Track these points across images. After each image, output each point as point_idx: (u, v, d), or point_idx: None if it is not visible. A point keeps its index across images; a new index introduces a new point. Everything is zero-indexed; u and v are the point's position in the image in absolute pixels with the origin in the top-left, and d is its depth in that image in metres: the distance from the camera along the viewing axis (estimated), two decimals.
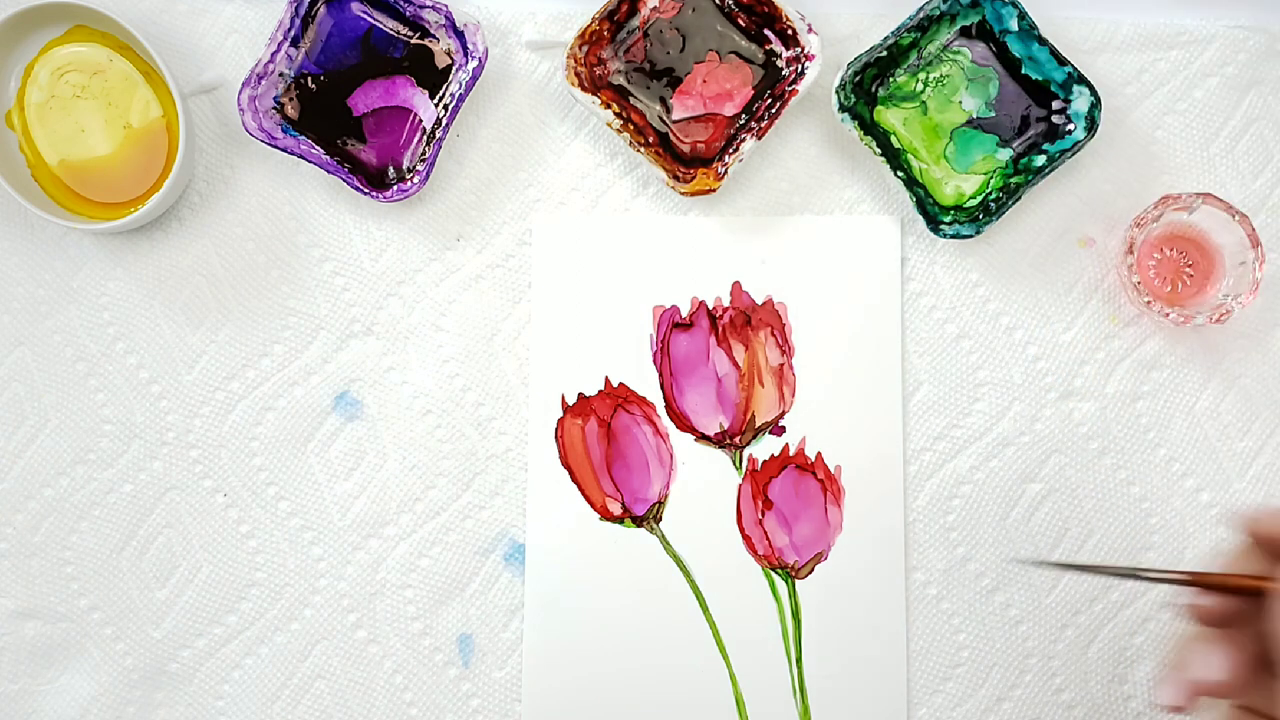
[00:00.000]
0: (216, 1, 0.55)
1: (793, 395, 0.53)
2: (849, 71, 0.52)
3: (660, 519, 0.53)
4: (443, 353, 0.54)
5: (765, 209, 0.54)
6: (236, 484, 0.54)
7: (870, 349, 0.53)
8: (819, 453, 0.53)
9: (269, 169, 0.55)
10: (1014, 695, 0.52)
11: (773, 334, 0.53)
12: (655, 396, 0.53)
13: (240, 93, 0.52)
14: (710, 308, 0.54)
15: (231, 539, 0.54)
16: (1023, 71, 0.53)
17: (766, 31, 0.54)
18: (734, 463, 0.53)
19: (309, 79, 0.54)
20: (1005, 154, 0.53)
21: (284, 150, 0.52)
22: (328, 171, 0.52)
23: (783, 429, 0.53)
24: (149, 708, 0.53)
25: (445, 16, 0.53)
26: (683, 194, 0.52)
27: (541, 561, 0.53)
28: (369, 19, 0.54)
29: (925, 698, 0.52)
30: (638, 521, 0.53)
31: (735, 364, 0.53)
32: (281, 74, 0.53)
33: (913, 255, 0.54)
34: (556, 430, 0.53)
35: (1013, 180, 0.52)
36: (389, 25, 0.54)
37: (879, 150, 0.52)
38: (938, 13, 0.52)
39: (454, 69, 0.54)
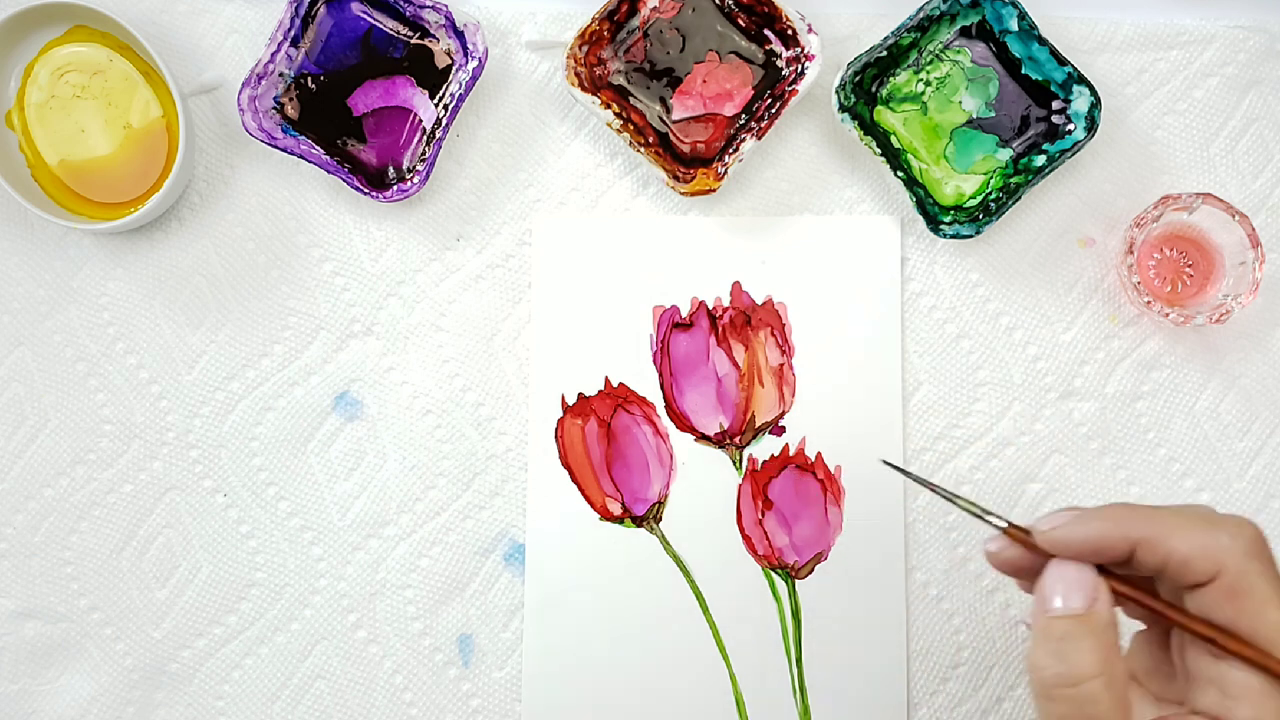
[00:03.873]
0: (216, 1, 0.55)
1: (793, 395, 0.53)
2: (849, 71, 0.52)
3: (660, 519, 0.53)
4: (443, 353, 0.54)
5: (765, 209, 0.54)
6: (236, 484, 0.54)
7: (870, 349, 0.53)
8: (819, 453, 0.53)
9: (269, 169, 0.55)
10: (1014, 695, 0.52)
11: (773, 334, 0.53)
12: (655, 396, 0.53)
13: (240, 93, 0.52)
14: (710, 308, 0.54)
15: (231, 539, 0.54)
16: (1023, 71, 0.53)
17: (766, 31, 0.54)
18: (734, 463, 0.53)
19: (309, 79, 0.54)
20: (1005, 154, 0.53)
21: (284, 150, 0.52)
22: (328, 171, 0.52)
23: (783, 429, 0.53)
24: (149, 708, 0.53)
25: (445, 16, 0.53)
26: (683, 194, 0.52)
27: (541, 561, 0.53)
28: (369, 19, 0.54)
29: (925, 698, 0.52)
30: (638, 521, 0.53)
31: (735, 364, 0.53)
32: (281, 74, 0.53)
33: (913, 255, 0.54)
34: (556, 430, 0.53)
35: (1013, 180, 0.52)
36: (389, 25, 0.54)
37: (879, 150, 0.52)
38: (938, 13, 0.52)
39: (454, 69, 0.54)
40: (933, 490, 0.42)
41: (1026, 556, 0.39)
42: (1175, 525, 0.37)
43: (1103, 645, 0.37)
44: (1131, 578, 0.39)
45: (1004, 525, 0.40)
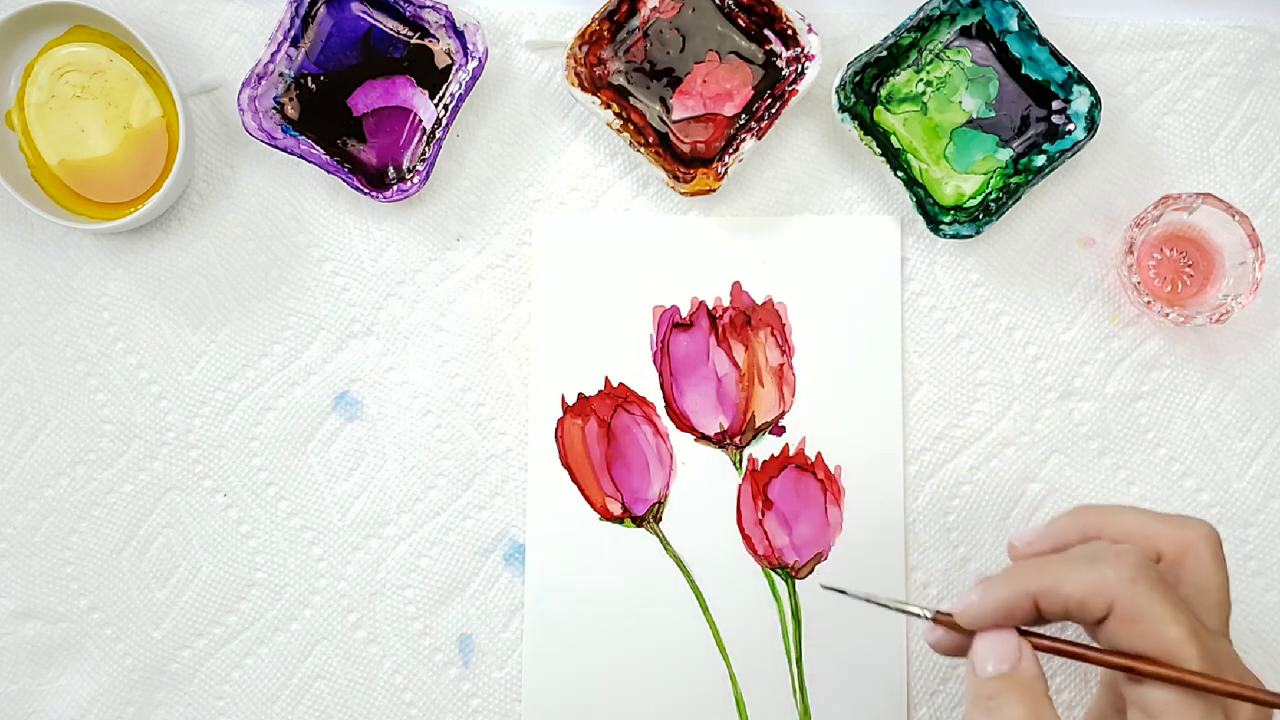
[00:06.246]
0: (216, 1, 0.55)
1: (793, 395, 0.53)
2: (849, 72, 0.52)
3: (660, 519, 0.53)
4: (443, 353, 0.54)
5: (765, 209, 0.54)
6: (236, 484, 0.54)
7: (870, 349, 0.53)
8: (819, 453, 0.53)
9: (269, 169, 0.55)
10: None
11: (773, 334, 0.53)
12: (655, 396, 0.53)
13: (240, 93, 0.52)
14: (710, 308, 0.54)
15: (231, 539, 0.54)
16: (1023, 71, 0.53)
17: (766, 31, 0.54)
18: (734, 463, 0.53)
19: (309, 79, 0.54)
20: (1005, 154, 0.53)
21: (284, 150, 0.52)
22: (328, 171, 0.52)
23: (783, 429, 0.53)
24: (149, 708, 0.53)
25: (445, 16, 0.53)
26: (683, 194, 0.52)
27: (541, 561, 0.53)
28: (369, 19, 0.54)
29: (925, 698, 0.52)
30: (638, 521, 0.53)
31: (735, 364, 0.53)
32: (281, 74, 0.53)
33: (913, 255, 0.54)
34: (556, 430, 0.53)
35: (1013, 180, 0.52)
36: (389, 25, 0.54)
37: (879, 150, 0.52)
38: (938, 13, 0.52)
39: (454, 69, 0.54)
40: (869, 602, 0.43)
41: (962, 636, 0.41)
42: (1063, 572, 0.39)
43: (1029, 697, 0.39)
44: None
45: (930, 615, 0.42)
